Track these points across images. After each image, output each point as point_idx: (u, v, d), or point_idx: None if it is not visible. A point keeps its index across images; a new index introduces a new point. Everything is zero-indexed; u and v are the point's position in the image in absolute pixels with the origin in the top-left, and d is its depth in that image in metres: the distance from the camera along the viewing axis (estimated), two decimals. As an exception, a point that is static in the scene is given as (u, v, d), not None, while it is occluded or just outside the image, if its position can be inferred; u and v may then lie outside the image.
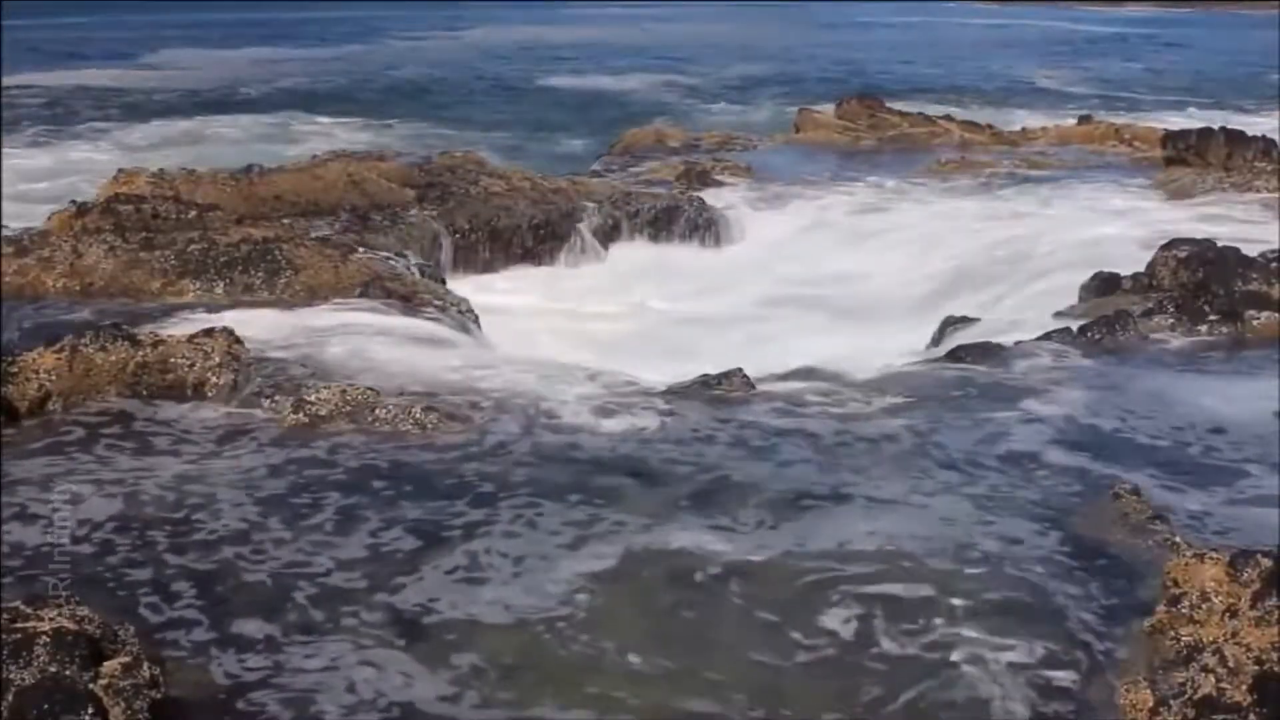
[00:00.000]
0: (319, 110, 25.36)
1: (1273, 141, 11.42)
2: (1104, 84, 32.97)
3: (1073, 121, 16.09)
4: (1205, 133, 11.69)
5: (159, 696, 3.08)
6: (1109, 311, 6.92)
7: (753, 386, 5.73)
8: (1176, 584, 3.63)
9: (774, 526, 4.27)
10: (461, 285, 8.54)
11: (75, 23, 51.61)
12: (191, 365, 5.48)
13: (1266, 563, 3.53)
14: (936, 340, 7.56)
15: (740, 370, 5.81)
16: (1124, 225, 9.69)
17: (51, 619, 3.11)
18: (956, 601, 3.74)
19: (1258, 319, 6.70)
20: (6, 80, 27.21)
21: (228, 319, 6.22)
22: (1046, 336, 6.67)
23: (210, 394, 5.42)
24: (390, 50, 42.09)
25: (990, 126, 15.70)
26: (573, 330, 8.41)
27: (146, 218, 8.08)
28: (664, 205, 10.75)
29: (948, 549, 4.05)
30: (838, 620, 3.69)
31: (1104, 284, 7.75)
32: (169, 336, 5.68)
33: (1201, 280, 7.29)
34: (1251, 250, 7.72)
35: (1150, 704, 3.20)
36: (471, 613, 3.72)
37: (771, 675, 3.46)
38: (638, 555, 4.07)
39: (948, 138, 14.62)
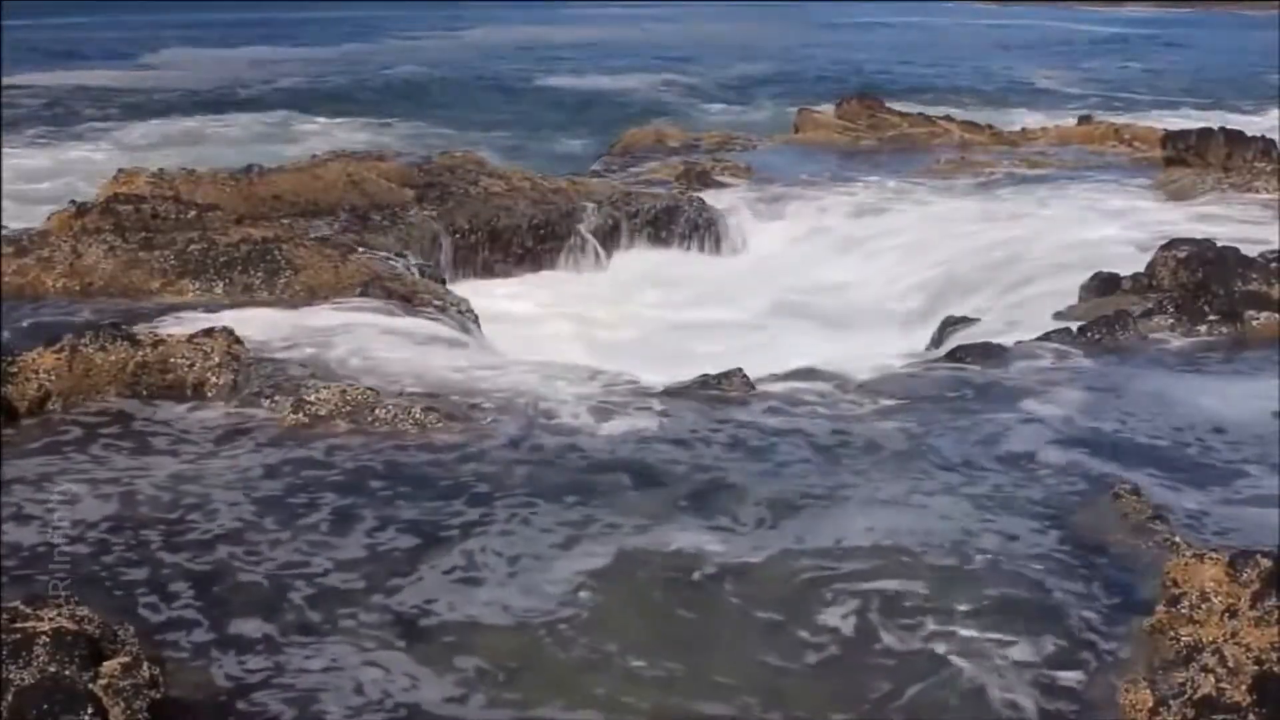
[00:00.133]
0: (318, 110, 25.36)
1: (1272, 142, 11.41)
2: (1104, 84, 32.97)
3: (1072, 122, 16.09)
4: (1205, 133, 11.68)
5: (159, 696, 3.08)
6: (1109, 312, 6.92)
7: (752, 387, 5.73)
8: (1176, 584, 3.63)
9: (774, 526, 4.27)
10: (460, 291, 8.51)
11: (75, 23, 51.61)
12: (191, 365, 5.48)
13: (1266, 563, 3.53)
14: (936, 341, 7.57)
15: (740, 370, 5.81)
16: (1124, 225, 9.69)
17: (51, 619, 3.11)
18: (956, 601, 3.74)
19: (1257, 319, 6.70)
20: (6, 80, 27.22)
21: (227, 319, 6.22)
22: (1046, 337, 6.67)
23: (210, 394, 5.42)
24: (390, 50, 42.07)
25: (990, 127, 15.70)
26: (573, 334, 8.40)
27: (146, 218, 8.08)
28: (664, 205, 10.75)
29: (947, 549, 4.05)
30: (838, 620, 3.69)
31: (1104, 284, 7.75)
32: (169, 336, 5.68)
33: (1201, 280, 7.29)
34: (1251, 250, 7.72)
35: (1150, 704, 3.20)
36: (471, 613, 3.72)
37: (772, 675, 3.46)
38: (638, 555, 4.07)
39: (948, 138, 14.62)
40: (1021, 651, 3.50)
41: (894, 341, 7.79)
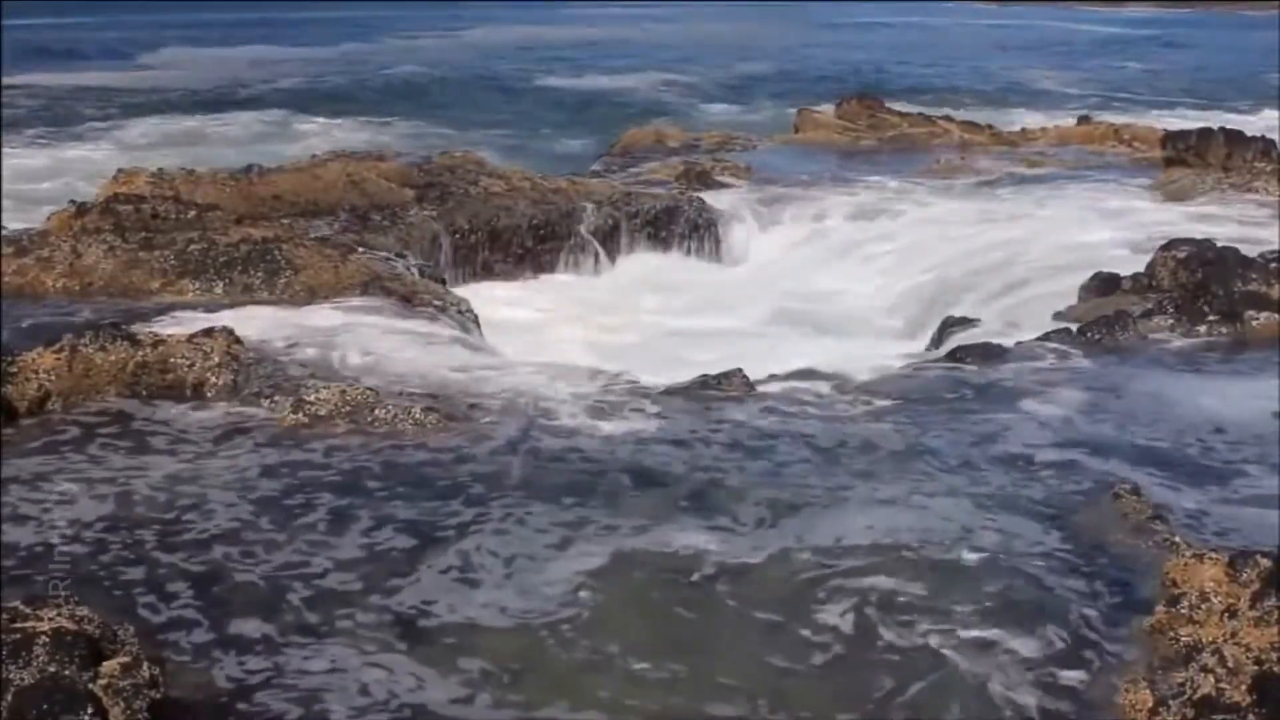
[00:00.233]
0: (318, 110, 25.37)
1: (1272, 142, 11.41)
2: (1104, 84, 32.97)
3: (1072, 122, 16.09)
4: (1205, 133, 11.68)
5: (158, 696, 3.07)
6: (1108, 312, 6.92)
7: (752, 387, 5.73)
8: (1176, 584, 3.63)
9: (774, 526, 4.27)
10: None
11: (75, 23, 51.61)
12: (191, 365, 5.48)
13: (1265, 563, 3.53)
14: (936, 341, 7.57)
15: (740, 370, 5.81)
16: (1123, 226, 9.69)
17: (51, 619, 3.11)
18: (956, 601, 3.74)
19: (1257, 319, 6.70)
20: (6, 80, 27.22)
21: (227, 319, 6.22)
22: (1046, 337, 6.68)
23: (210, 394, 5.42)
24: (390, 50, 42.08)
25: (990, 127, 15.70)
26: (574, 340, 8.38)
27: (146, 218, 8.08)
28: (664, 205, 10.75)
29: (947, 548, 4.05)
30: (838, 619, 3.69)
31: (1103, 284, 7.75)
32: (168, 336, 5.68)
33: (1201, 281, 7.29)
34: (1251, 250, 7.72)
35: (1150, 704, 3.20)
36: (471, 614, 3.72)
37: (773, 675, 3.46)
38: (638, 555, 4.07)
39: (947, 138, 14.62)
40: (1021, 651, 3.50)
41: (894, 345, 7.79)
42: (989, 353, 6.34)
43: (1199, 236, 8.16)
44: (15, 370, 5.12)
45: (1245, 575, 3.53)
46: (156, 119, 23.59)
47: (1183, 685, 3.20)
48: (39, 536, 4.05)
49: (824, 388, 5.77)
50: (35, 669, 2.95)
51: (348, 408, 5.16)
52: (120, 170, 9.48)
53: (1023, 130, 15.68)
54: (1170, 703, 3.17)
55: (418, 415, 5.11)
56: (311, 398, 5.21)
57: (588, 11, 67.43)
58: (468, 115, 25.46)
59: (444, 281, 8.40)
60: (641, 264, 10.33)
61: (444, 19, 58.88)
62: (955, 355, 6.39)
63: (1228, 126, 12.00)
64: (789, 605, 3.77)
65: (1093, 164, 12.95)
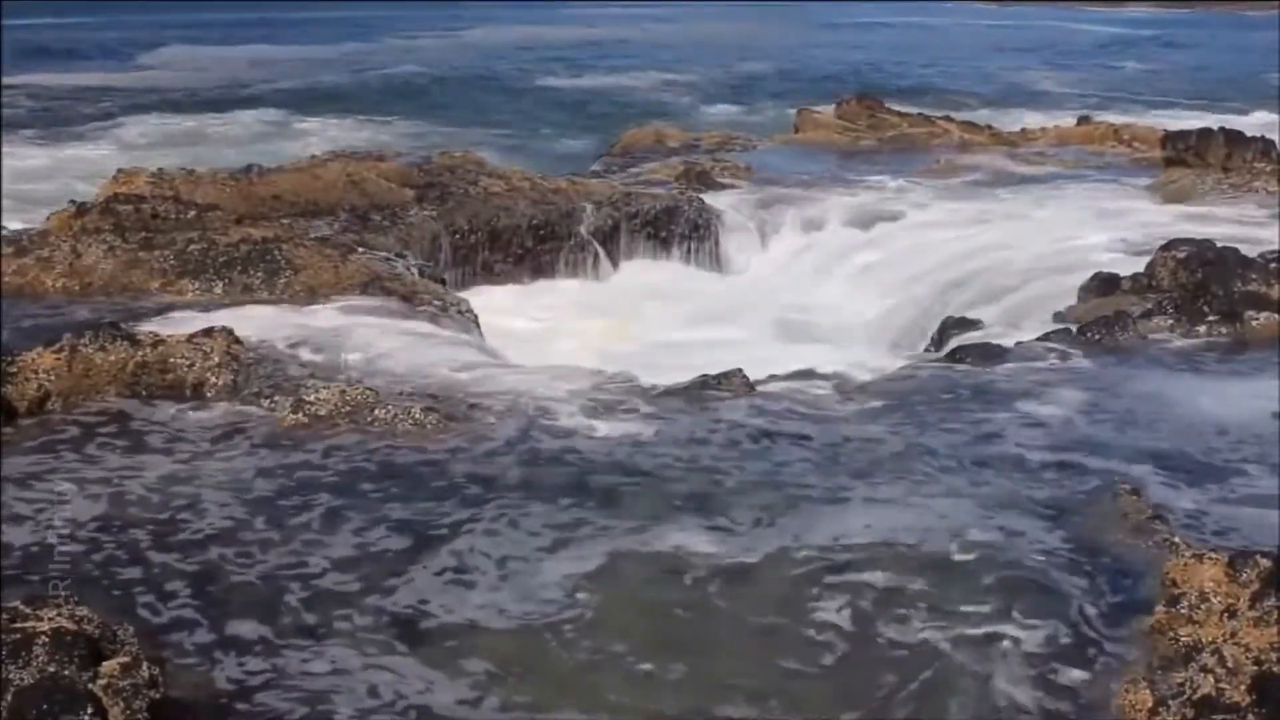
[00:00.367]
0: (318, 110, 25.39)
1: (1272, 142, 11.41)
2: (1104, 84, 32.99)
3: (1072, 122, 16.09)
4: (1205, 133, 11.67)
5: (158, 696, 3.08)
6: (1108, 312, 6.92)
7: (752, 387, 5.72)
8: (1175, 584, 3.63)
9: (773, 526, 4.27)
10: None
11: (75, 23, 51.61)
12: (191, 365, 5.48)
13: (1265, 563, 3.53)
14: (936, 342, 7.57)
15: (740, 370, 5.81)
16: (1123, 226, 9.69)
17: (50, 619, 3.11)
18: (955, 600, 3.74)
19: (1257, 320, 6.70)
20: (6, 80, 27.22)
21: (227, 319, 6.21)
22: (1046, 337, 6.68)
23: (209, 394, 5.41)
24: (390, 50, 42.09)
25: (989, 127, 15.70)
26: (574, 350, 8.36)
27: (146, 218, 8.09)
28: (664, 206, 10.75)
29: (947, 548, 4.05)
30: (837, 619, 3.69)
31: (1103, 285, 7.75)
32: (168, 336, 5.68)
33: (1201, 281, 7.29)
34: (1251, 251, 7.72)
35: (1149, 704, 3.20)
36: (471, 615, 3.72)
37: (773, 675, 3.46)
38: (638, 556, 4.07)
39: (947, 138, 14.62)
40: (1021, 651, 3.50)
41: (894, 348, 7.80)
42: (988, 353, 6.34)
43: (1199, 237, 8.17)
44: (15, 370, 5.12)
45: (1245, 575, 3.53)
46: (156, 119, 23.61)
47: (1182, 685, 3.21)
48: (38, 537, 4.05)
49: (824, 388, 5.77)
50: (35, 669, 2.95)
51: (347, 408, 5.16)
52: (120, 170, 9.48)
53: (1023, 130, 15.68)
54: (1170, 703, 3.17)
55: (417, 415, 5.11)
56: (311, 398, 5.21)
57: (588, 11, 67.45)
58: (468, 115, 25.48)
59: (444, 281, 8.40)
60: (641, 272, 10.31)
61: (444, 19, 58.89)
62: (955, 356, 6.39)
63: (1230, 127, 12.00)
64: (789, 605, 3.78)
65: (1093, 164, 12.96)
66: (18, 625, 3.07)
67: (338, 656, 3.49)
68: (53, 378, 5.18)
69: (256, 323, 6.34)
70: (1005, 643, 3.53)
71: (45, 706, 2.84)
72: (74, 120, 23.08)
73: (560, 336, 8.67)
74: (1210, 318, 6.70)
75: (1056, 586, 3.84)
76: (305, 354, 5.97)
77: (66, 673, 2.96)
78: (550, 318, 9.18)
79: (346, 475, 4.64)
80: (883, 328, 8.91)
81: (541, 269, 10.11)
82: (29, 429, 4.96)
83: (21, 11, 50.41)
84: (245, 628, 3.60)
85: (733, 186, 11.68)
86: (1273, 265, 7.35)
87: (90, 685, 2.96)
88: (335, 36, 47.25)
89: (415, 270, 8.03)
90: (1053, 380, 5.88)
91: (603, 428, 5.15)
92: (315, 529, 4.22)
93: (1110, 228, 9.66)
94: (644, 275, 10.29)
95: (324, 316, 6.66)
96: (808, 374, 6.00)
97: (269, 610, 3.70)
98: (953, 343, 7.09)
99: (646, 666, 3.49)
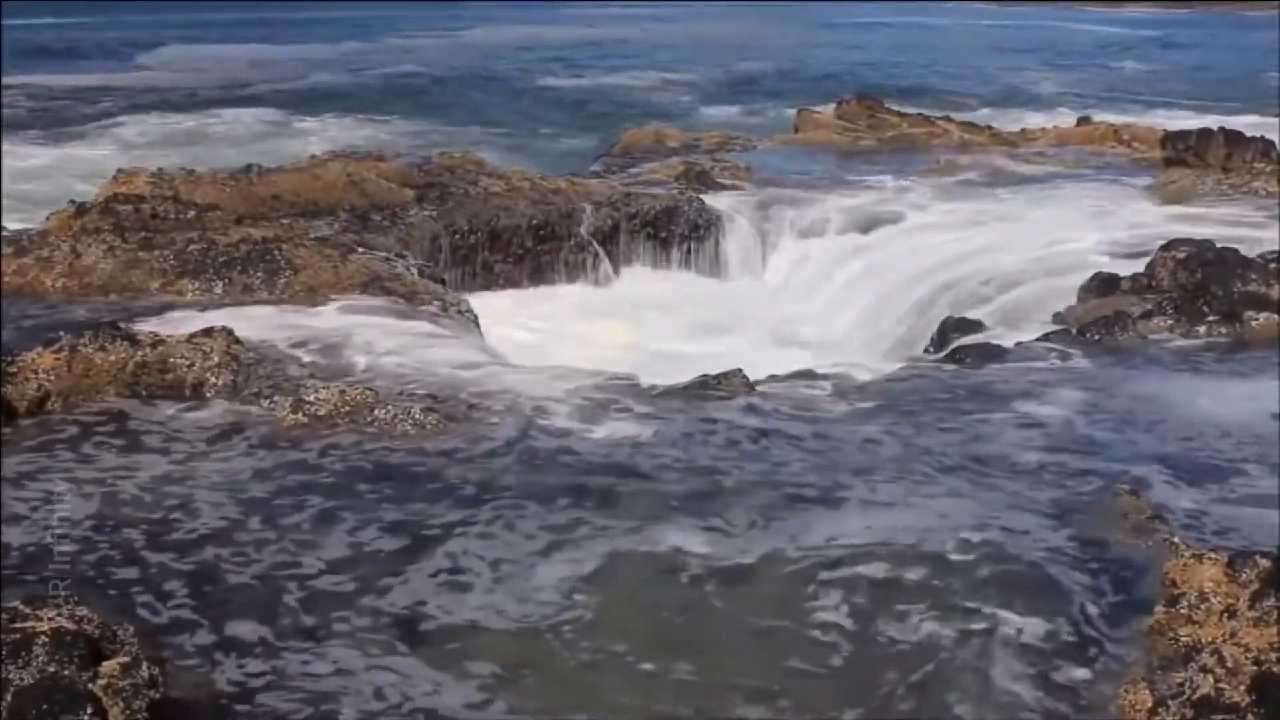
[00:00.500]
0: (319, 109, 25.40)
1: (1272, 142, 11.41)
2: (1104, 84, 32.99)
3: (1072, 122, 16.09)
4: (1204, 134, 11.67)
5: (158, 696, 3.08)
6: (1108, 312, 6.93)
7: (751, 387, 5.73)
8: (1175, 584, 3.63)
9: (772, 526, 4.27)
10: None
11: (75, 23, 51.61)
12: (190, 365, 5.48)
13: (1265, 563, 3.53)
14: (936, 342, 7.57)
15: (739, 371, 5.81)
16: (1122, 226, 9.70)
17: (50, 619, 3.11)
18: (955, 600, 3.74)
19: (1256, 320, 6.70)
20: (6, 80, 27.22)
21: (227, 319, 6.21)
22: (1045, 337, 6.68)
23: (209, 394, 5.41)
24: (390, 50, 42.09)
25: (989, 127, 15.70)
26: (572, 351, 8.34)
27: (145, 218, 8.09)
28: (663, 206, 10.75)
29: (946, 548, 4.05)
30: (836, 619, 3.69)
31: (1103, 285, 7.75)
32: (168, 336, 5.68)
33: (1200, 281, 7.29)
34: (1251, 251, 7.73)
35: (1149, 704, 3.20)
36: (470, 616, 3.72)
37: (774, 675, 3.46)
38: (639, 556, 4.07)
39: (947, 138, 14.62)
40: (1020, 651, 3.50)
41: (894, 351, 7.79)
42: (988, 353, 6.34)
43: (1198, 237, 8.17)
44: (15, 370, 5.12)
45: (1244, 575, 3.53)
46: (156, 119, 23.62)
47: (1182, 685, 3.21)
48: (38, 537, 4.05)
49: (824, 388, 5.77)
50: (35, 669, 2.95)
51: (347, 408, 5.16)
52: (120, 170, 9.48)
53: (1022, 131, 15.68)
54: (1169, 703, 3.17)
55: (417, 416, 5.11)
56: (311, 398, 5.21)
57: (588, 11, 67.42)
58: (468, 115, 25.49)
59: (444, 282, 8.40)
60: (642, 280, 10.29)
61: (444, 19, 58.87)
62: (955, 356, 6.40)
63: (1230, 127, 12.00)
64: (788, 604, 3.78)
65: (1092, 165, 12.95)
66: (18, 625, 3.07)
67: (338, 657, 3.49)
68: (52, 378, 5.18)
69: (256, 323, 6.35)
70: (1005, 643, 3.53)
71: (45, 706, 2.84)
72: (74, 120, 23.10)
73: (560, 348, 8.65)
74: (1210, 318, 6.71)
75: (1056, 586, 3.84)
76: (305, 354, 5.97)
77: (66, 673, 2.96)
78: (549, 327, 9.15)
79: (346, 476, 4.64)
80: (883, 330, 8.91)
81: (541, 269, 10.11)
82: (29, 429, 4.96)
83: (21, 11, 50.40)
84: (245, 628, 3.60)
85: (733, 187, 11.68)
86: (1272, 265, 7.35)
87: (90, 685, 2.96)
88: (335, 36, 47.24)
89: (415, 270, 8.03)
90: (1052, 380, 5.89)
91: (603, 428, 5.15)
92: (314, 529, 4.22)
93: (1110, 228, 9.67)
94: (645, 284, 10.27)
95: (324, 317, 6.66)
96: (807, 374, 6.00)
97: (268, 610, 3.70)
98: (952, 343, 7.09)
99: (652, 666, 3.49)
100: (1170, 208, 10.27)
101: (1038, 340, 6.62)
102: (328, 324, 6.50)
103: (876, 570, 3.93)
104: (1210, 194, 10.51)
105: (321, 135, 21.79)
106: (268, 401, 5.29)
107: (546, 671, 3.48)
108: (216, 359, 5.52)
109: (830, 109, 16.15)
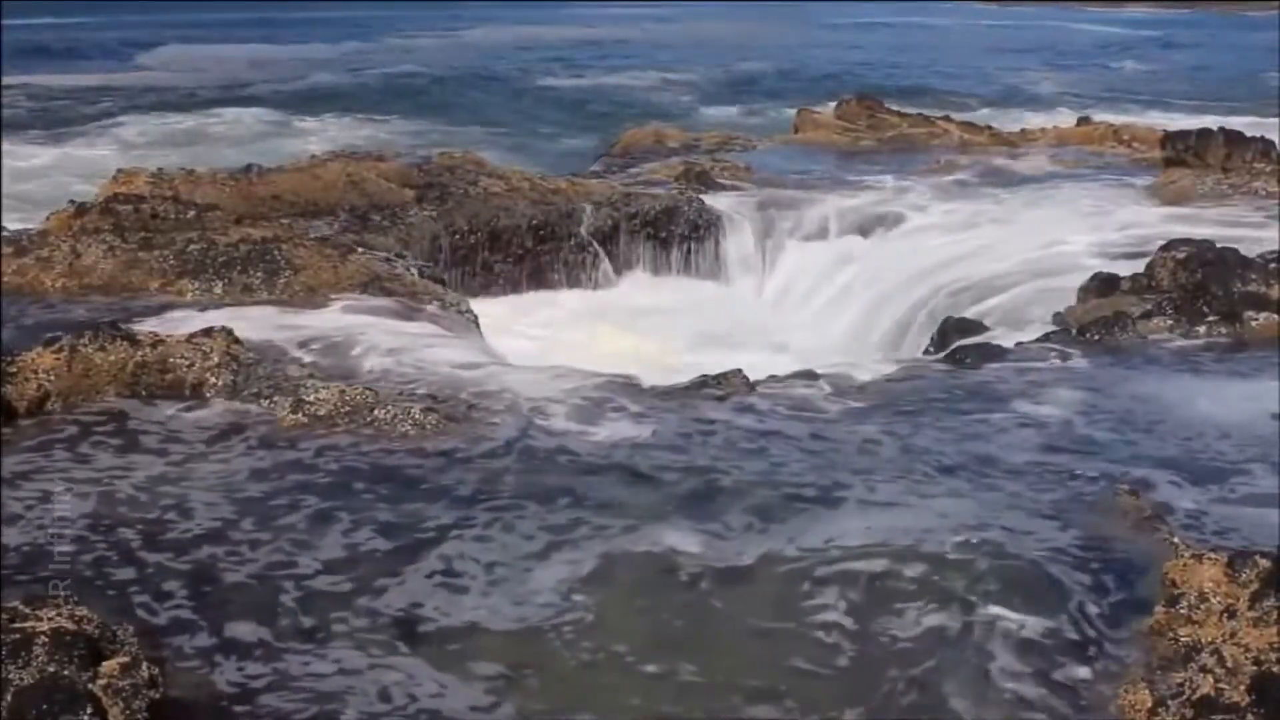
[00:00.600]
0: (319, 109, 25.41)
1: (1272, 142, 11.41)
2: (1104, 84, 32.99)
3: (1072, 122, 16.08)
4: (1204, 134, 11.67)
5: (158, 696, 3.08)
6: (1108, 313, 6.93)
7: (752, 387, 5.73)
8: (1175, 584, 3.63)
9: (771, 526, 4.27)
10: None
11: (75, 23, 51.61)
12: (190, 365, 5.48)
13: (1265, 563, 3.53)
14: (936, 343, 7.57)
15: (739, 371, 5.81)
16: (1122, 226, 9.70)
17: (50, 619, 3.11)
18: (954, 600, 3.74)
19: (1256, 320, 6.70)
20: (6, 80, 27.23)
21: (226, 319, 6.21)
22: (1045, 338, 6.68)
23: (209, 394, 5.41)
24: (390, 50, 42.10)
25: (989, 127, 15.68)
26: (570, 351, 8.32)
27: (145, 218, 8.09)
28: (663, 206, 10.74)
29: (945, 549, 4.05)
30: (835, 619, 3.70)
31: (1103, 285, 7.75)
32: (168, 336, 5.68)
33: (1200, 281, 7.29)
34: (1250, 251, 7.72)
35: (1148, 704, 3.20)
36: (472, 617, 3.72)
37: (773, 675, 3.46)
38: (639, 556, 4.07)
39: (947, 138, 14.61)
40: (1019, 651, 3.50)
41: (895, 352, 7.79)
42: (988, 353, 6.34)
43: (1198, 237, 8.17)
44: (15, 370, 5.12)
45: (1244, 575, 3.54)
46: (156, 119, 23.63)
47: (1182, 685, 3.21)
48: (38, 537, 4.05)
49: (824, 388, 5.77)
50: (35, 669, 2.95)
51: (347, 408, 5.16)
52: (120, 170, 9.48)
53: (1022, 131, 15.66)
54: (1169, 703, 3.17)
55: (417, 416, 5.11)
56: (311, 398, 5.21)
57: (588, 11, 67.41)
58: (467, 115, 25.51)
59: (444, 282, 8.39)
60: (642, 287, 10.27)
61: (444, 19, 58.87)
62: (955, 356, 6.40)
63: (1230, 127, 12.00)
64: (787, 604, 3.78)
65: (1092, 165, 12.95)
66: (18, 625, 3.07)
67: (338, 657, 3.49)
68: (52, 378, 5.18)
69: (256, 323, 6.34)
70: (1004, 643, 3.53)
71: (45, 706, 2.84)
72: (74, 120, 23.10)
73: (558, 357, 8.62)
74: (1210, 318, 6.71)
75: (1056, 586, 3.84)
76: (304, 354, 5.97)
77: (66, 673, 2.96)
78: (549, 335, 9.13)
79: (345, 476, 4.64)
80: (876, 340, 8.91)
81: (541, 269, 10.10)
82: (28, 429, 4.96)
83: (21, 11, 50.39)
84: (244, 628, 3.60)
85: (733, 187, 11.67)
86: (1272, 265, 7.35)
87: (90, 685, 2.96)
88: (335, 36, 47.25)
89: (415, 270, 8.02)
90: (1052, 381, 5.89)
91: (603, 427, 5.15)
92: (313, 530, 4.21)
93: (1109, 228, 9.67)
94: (644, 290, 10.24)
95: (323, 317, 6.66)
96: (808, 374, 6.00)
97: (267, 611, 3.70)
98: (953, 343, 7.09)
99: (653, 666, 3.50)
100: (1170, 208, 10.27)
101: (1037, 340, 6.62)
102: (328, 324, 6.50)
103: (875, 569, 3.93)
104: (1210, 194, 10.51)
105: (321, 135, 21.81)
106: (267, 401, 5.29)
107: (546, 672, 3.48)
108: (216, 359, 5.52)
109: (830, 109, 16.14)
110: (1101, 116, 17.72)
